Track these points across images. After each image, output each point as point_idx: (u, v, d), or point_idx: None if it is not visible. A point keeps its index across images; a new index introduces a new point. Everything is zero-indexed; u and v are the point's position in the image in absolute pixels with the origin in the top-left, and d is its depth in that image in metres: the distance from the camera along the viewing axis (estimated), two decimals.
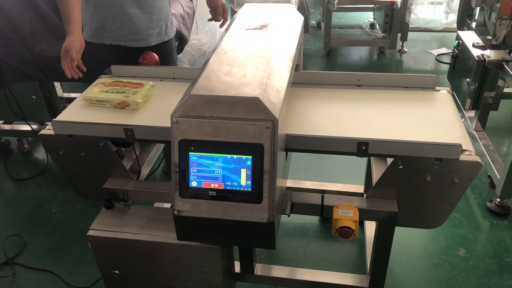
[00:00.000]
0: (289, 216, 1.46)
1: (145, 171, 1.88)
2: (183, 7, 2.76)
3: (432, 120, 1.50)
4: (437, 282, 1.91)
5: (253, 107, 1.16)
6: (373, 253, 1.63)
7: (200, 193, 1.22)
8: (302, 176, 2.38)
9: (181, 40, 2.61)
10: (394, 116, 1.53)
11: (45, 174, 2.71)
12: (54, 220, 2.35)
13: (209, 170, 1.20)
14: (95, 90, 1.68)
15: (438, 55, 4.16)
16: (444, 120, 1.51)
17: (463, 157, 1.35)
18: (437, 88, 1.73)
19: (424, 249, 2.08)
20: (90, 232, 1.55)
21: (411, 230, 2.17)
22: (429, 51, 4.26)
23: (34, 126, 2.74)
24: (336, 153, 1.44)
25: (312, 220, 2.26)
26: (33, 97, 2.57)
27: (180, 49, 2.69)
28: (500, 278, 1.92)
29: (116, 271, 1.62)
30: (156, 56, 1.98)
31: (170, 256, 1.54)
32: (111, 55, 1.94)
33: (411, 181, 1.43)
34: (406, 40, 4.11)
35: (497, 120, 2.98)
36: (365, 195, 2.13)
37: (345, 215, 1.42)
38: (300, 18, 1.82)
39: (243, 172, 1.18)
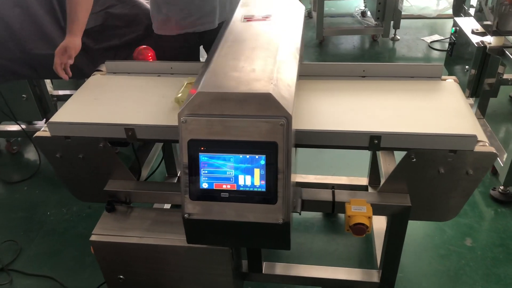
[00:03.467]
0: (300, 214, 1.42)
1: (144, 171, 1.81)
2: None
3: (442, 110, 1.47)
4: (445, 274, 1.90)
5: (265, 103, 1.10)
6: (385, 248, 1.60)
7: (212, 195, 1.16)
8: (302, 169, 2.33)
9: None
10: (403, 107, 1.49)
11: (37, 176, 2.62)
12: (50, 223, 2.27)
13: (220, 171, 1.15)
14: (186, 91, 1.55)
15: (431, 42, 4.14)
16: (454, 110, 1.47)
17: (477, 148, 1.32)
18: (443, 77, 1.69)
19: (431, 240, 2.06)
20: (93, 237, 1.48)
21: (416, 221, 2.14)
22: (422, 38, 4.23)
23: (23, 126, 2.64)
24: (347, 148, 1.40)
25: (316, 214, 2.22)
26: (23, 95, 2.47)
27: None
28: (509, 266, 1.91)
29: (121, 276, 1.56)
30: (152, 51, 1.90)
31: (177, 259, 1.48)
32: (179, 43, 1.97)
33: (424, 174, 1.39)
34: (398, 28, 4.08)
35: (494, 107, 2.96)
36: (369, 188, 2.13)
37: (359, 211, 1.38)
38: (302, 8, 1.76)
39: (257, 171, 1.13)
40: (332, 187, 1.54)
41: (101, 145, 1.49)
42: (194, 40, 2.02)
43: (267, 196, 1.14)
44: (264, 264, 1.75)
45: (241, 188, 1.15)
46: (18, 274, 2.02)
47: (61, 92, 2.95)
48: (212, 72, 1.21)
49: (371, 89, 1.63)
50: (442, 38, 4.19)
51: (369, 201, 1.43)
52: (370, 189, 2.10)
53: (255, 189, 1.14)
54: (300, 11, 1.72)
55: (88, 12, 1.75)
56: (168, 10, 1.93)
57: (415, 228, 2.11)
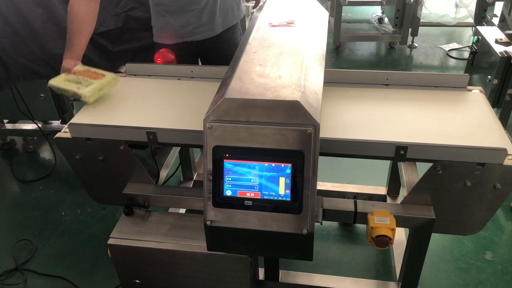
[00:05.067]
0: (321, 224, 1.39)
1: (162, 175, 1.80)
2: None
3: (469, 122, 1.43)
4: None
5: (293, 111, 1.08)
6: (406, 260, 1.57)
7: (235, 203, 1.14)
8: (318, 176, 2.30)
9: None
10: (428, 117, 1.46)
11: (52, 175, 2.63)
12: (65, 223, 2.27)
13: (245, 179, 1.13)
14: (61, 78, 1.62)
15: (449, 50, 4.09)
16: (482, 122, 1.44)
17: (507, 162, 1.28)
18: (468, 87, 1.66)
19: (450, 252, 2.02)
20: (111, 241, 1.47)
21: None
22: (440, 46, 4.19)
23: (40, 125, 2.65)
24: (372, 158, 1.37)
25: (332, 222, 2.19)
26: (41, 95, 2.48)
27: None
28: None
29: (137, 281, 1.55)
30: (173, 54, 1.89)
31: (195, 265, 1.47)
32: (178, 52, 1.91)
33: (450, 186, 1.36)
34: (416, 35, 4.03)
35: None
36: (388, 198, 2.10)
37: (382, 223, 1.36)
38: (326, 14, 1.74)
39: (282, 181, 1.11)
40: (354, 196, 1.52)
41: (121, 147, 1.48)
42: (193, 50, 2.00)
43: (292, 206, 1.12)
44: (280, 272, 1.73)
45: (265, 197, 1.13)
46: (32, 274, 2.01)
47: None
48: (238, 78, 1.20)
49: (395, 98, 1.60)
50: (460, 46, 4.15)
51: (392, 213, 1.40)
52: (389, 199, 2.07)
53: (280, 198, 1.12)
54: (324, 16, 1.70)
55: (85, 36, 1.69)
56: (167, 19, 1.92)
57: (433, 240, 2.04)
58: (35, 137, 2.85)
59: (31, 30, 2.13)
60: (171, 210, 1.97)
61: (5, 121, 2.79)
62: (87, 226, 2.23)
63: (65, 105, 2.57)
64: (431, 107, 1.52)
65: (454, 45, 4.17)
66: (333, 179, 2.19)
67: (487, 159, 1.28)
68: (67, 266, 2.03)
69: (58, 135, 1.52)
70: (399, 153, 1.32)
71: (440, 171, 1.33)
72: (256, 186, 1.13)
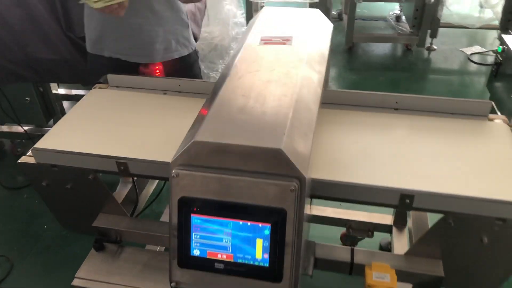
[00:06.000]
0: (311, 278, 1.21)
1: (144, 197, 1.64)
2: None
3: (490, 163, 1.22)
4: None
5: (274, 160, 0.90)
6: None
7: (204, 264, 0.97)
8: (318, 200, 2.11)
9: None
10: (441, 155, 1.25)
11: None
12: (45, 238, 2.13)
13: (215, 237, 0.95)
14: None
15: (470, 54, 3.82)
16: (505, 164, 1.22)
17: None
18: (490, 116, 1.44)
19: None
20: (76, 282, 1.32)
21: None
22: (460, 49, 3.92)
23: (26, 128, 2.51)
24: (372, 204, 1.18)
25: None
26: (26, 98, 2.33)
27: None
28: None
29: None
30: (160, 65, 1.71)
31: None
32: (112, 69, 1.67)
33: (463, 241, 1.17)
34: (435, 37, 3.77)
35: None
36: (394, 228, 1.90)
37: (381, 280, 1.17)
38: (330, 27, 1.54)
39: (259, 242, 0.93)
40: (351, 243, 1.33)
41: (90, 177, 1.32)
42: (131, 70, 1.71)
43: (270, 273, 0.94)
44: None
45: (240, 260, 0.95)
46: None
47: (64, 92, 2.80)
48: (214, 113, 1.01)
49: (404, 125, 1.40)
50: (484, 50, 3.86)
51: (395, 266, 1.21)
52: (394, 230, 1.87)
53: (256, 263, 0.94)
54: (328, 30, 1.50)
55: None
56: (100, 28, 1.64)
57: None
58: (23, 140, 2.72)
59: (11, 32, 1.97)
60: (148, 247, 1.79)
61: None
62: (68, 243, 2.09)
63: (53, 109, 2.42)
64: (445, 141, 1.31)
65: (477, 49, 3.89)
66: (334, 203, 1.99)
67: (509, 214, 1.08)
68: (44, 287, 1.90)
69: (22, 159, 1.37)
70: (404, 202, 1.13)
71: (452, 224, 1.13)
72: (229, 247, 0.95)
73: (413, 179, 1.16)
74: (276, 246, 0.92)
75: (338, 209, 1.93)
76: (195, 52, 1.83)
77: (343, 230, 1.99)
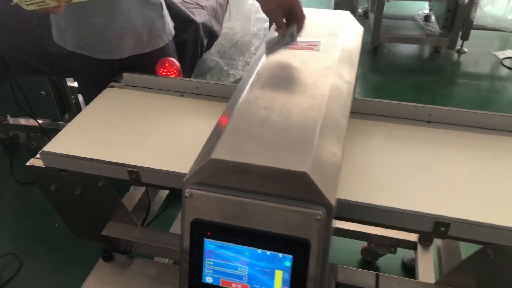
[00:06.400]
0: None
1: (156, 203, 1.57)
2: None
3: None
4: None
5: (298, 185, 0.80)
6: None
7: None
8: None
9: (211, 36, 2.24)
10: (481, 177, 1.14)
11: None
12: (56, 237, 2.08)
13: (230, 265, 0.86)
14: None
15: (503, 58, 3.63)
16: None
17: None
18: None
19: None
20: None
21: None
22: (493, 52, 3.73)
23: (40, 121, 2.46)
24: (403, 230, 1.08)
25: None
26: (42, 92, 2.28)
27: (209, 46, 2.33)
28: None
29: None
30: (178, 65, 1.63)
31: None
32: (84, 65, 1.58)
33: (503, 275, 1.06)
34: (467, 39, 3.59)
35: None
36: (419, 245, 1.79)
37: None
38: (360, 31, 1.43)
39: (278, 274, 0.84)
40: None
41: (100, 184, 1.24)
42: (101, 66, 1.59)
43: None
44: None
45: None
46: None
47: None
48: (233, 127, 0.92)
49: (438, 141, 1.28)
50: None
51: None
52: (419, 248, 1.76)
53: None
54: (358, 35, 1.39)
55: None
56: (63, 22, 1.53)
57: None
58: (38, 134, 2.68)
59: (28, 27, 1.92)
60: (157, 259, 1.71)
61: (8, 116, 2.62)
62: (77, 243, 2.03)
63: (68, 103, 2.37)
64: (484, 161, 1.20)
65: (510, 53, 3.70)
66: None
67: None
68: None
69: (30, 162, 1.30)
70: (438, 230, 1.02)
71: (492, 256, 1.02)
72: (245, 276, 0.86)
73: (448, 203, 1.05)
74: (298, 279, 0.83)
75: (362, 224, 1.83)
76: (172, 42, 1.71)
77: (364, 243, 1.90)
